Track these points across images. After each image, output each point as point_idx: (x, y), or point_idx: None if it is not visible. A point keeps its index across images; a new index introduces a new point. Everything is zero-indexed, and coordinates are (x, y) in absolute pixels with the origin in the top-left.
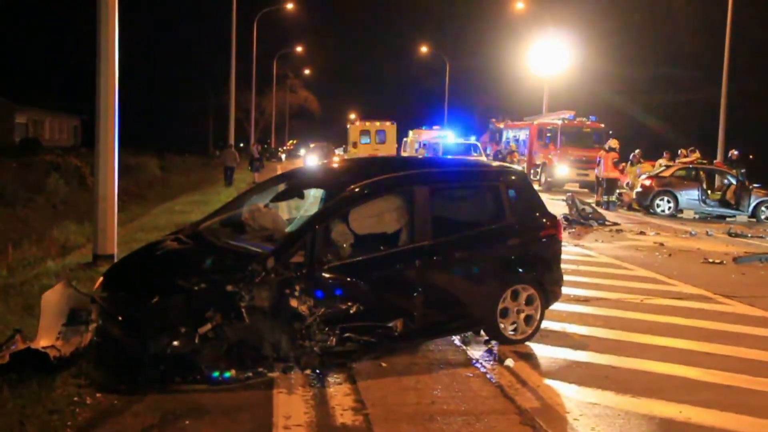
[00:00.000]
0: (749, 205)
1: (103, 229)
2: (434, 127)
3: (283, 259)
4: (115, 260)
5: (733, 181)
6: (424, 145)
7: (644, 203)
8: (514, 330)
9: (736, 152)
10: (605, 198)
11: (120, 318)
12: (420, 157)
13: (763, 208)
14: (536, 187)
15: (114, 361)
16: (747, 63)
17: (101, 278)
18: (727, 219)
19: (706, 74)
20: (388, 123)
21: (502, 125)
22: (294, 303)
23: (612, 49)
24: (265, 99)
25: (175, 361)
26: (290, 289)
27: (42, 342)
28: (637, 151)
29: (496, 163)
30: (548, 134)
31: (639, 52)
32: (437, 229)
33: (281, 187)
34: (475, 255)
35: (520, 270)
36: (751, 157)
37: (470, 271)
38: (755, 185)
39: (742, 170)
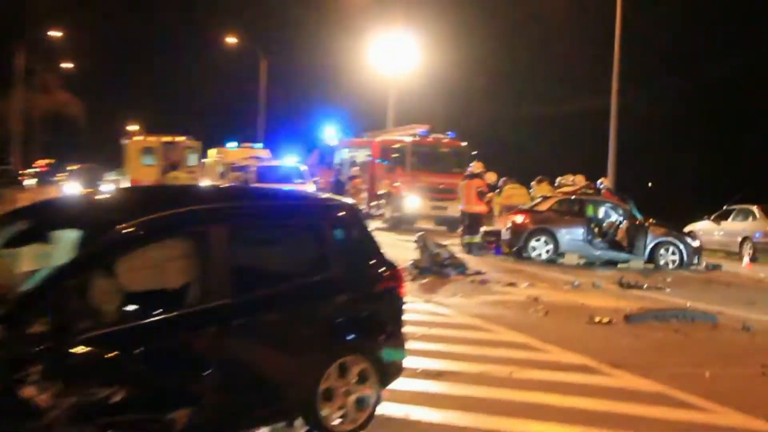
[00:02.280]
0: (645, 247)
1: None
2: (244, 145)
3: (15, 329)
4: None
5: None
6: (234, 168)
7: (516, 245)
8: (342, 417)
9: (605, 180)
10: (467, 239)
11: None
12: (219, 187)
13: (662, 251)
14: (378, 224)
15: None
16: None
17: None
18: (619, 265)
19: (596, 86)
20: (182, 138)
21: (334, 143)
22: (29, 392)
23: (480, 53)
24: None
25: None
26: (25, 372)
27: None
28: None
29: (322, 195)
30: (394, 155)
31: (514, 60)
32: (239, 283)
33: (21, 226)
34: (290, 318)
35: (349, 337)
36: (649, 185)
37: (282, 340)
38: (652, 221)
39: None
